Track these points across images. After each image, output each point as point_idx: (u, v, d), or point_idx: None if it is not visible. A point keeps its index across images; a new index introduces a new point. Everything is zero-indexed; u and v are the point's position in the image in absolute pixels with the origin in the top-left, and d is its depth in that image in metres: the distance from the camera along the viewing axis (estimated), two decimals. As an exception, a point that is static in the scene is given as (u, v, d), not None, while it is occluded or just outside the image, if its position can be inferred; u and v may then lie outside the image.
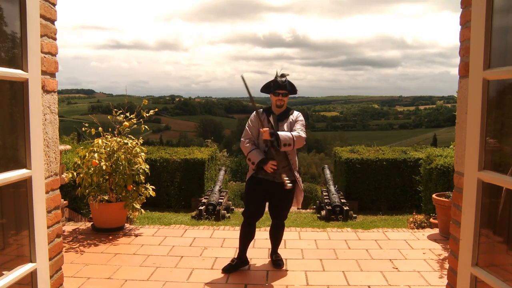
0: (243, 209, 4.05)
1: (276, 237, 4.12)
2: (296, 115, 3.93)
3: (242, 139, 3.91)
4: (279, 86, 3.82)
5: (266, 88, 3.91)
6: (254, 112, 3.87)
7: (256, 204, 3.87)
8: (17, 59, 1.63)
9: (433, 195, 5.32)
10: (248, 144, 3.84)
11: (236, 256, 4.02)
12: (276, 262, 4.07)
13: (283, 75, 3.86)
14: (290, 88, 3.86)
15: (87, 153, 5.09)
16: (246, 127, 3.93)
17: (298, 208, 4.39)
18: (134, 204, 5.15)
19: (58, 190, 1.98)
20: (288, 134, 3.70)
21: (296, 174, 3.86)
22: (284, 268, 4.01)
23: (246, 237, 3.96)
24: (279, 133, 3.67)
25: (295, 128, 3.83)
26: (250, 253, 4.31)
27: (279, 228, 4.09)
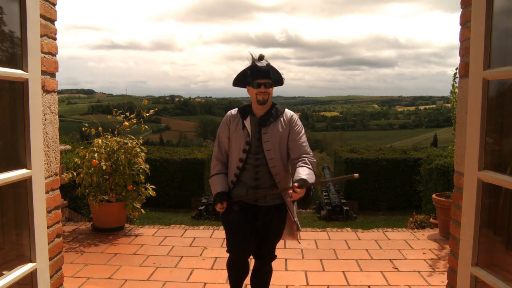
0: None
1: (260, 278, 2.93)
2: (289, 116, 2.75)
3: (213, 157, 2.90)
4: (260, 74, 2.63)
5: (242, 79, 2.75)
6: (226, 115, 2.87)
7: (239, 232, 2.70)
8: (17, 59, 1.63)
9: (433, 195, 5.32)
10: (211, 166, 2.87)
11: None
12: None
13: (261, 57, 2.70)
14: (274, 76, 2.69)
15: (87, 153, 5.09)
16: (216, 138, 2.87)
17: (299, 242, 2.98)
18: (134, 204, 5.14)
19: (58, 190, 1.98)
20: (307, 171, 2.56)
21: (285, 198, 2.76)
22: (284, 268, 4.00)
23: (240, 275, 2.88)
24: (303, 177, 2.48)
25: (299, 144, 2.68)
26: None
27: (264, 274, 2.93)
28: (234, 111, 2.84)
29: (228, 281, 3.13)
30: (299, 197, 2.44)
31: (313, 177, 2.59)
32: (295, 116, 2.79)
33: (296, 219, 2.85)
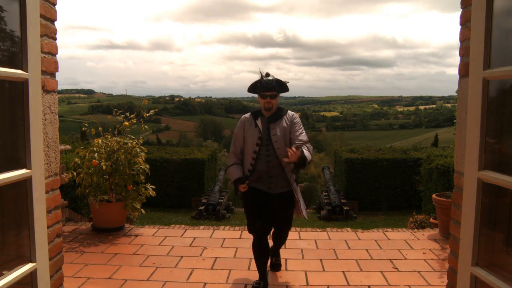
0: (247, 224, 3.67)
1: (278, 237, 3.82)
2: (291, 115, 3.52)
3: (230, 152, 3.63)
4: (266, 88, 3.38)
5: (253, 88, 3.47)
6: (241, 118, 3.61)
7: (257, 215, 3.47)
8: (17, 59, 1.63)
9: (433, 195, 5.31)
10: (229, 159, 3.59)
11: (258, 279, 3.50)
12: (274, 265, 3.90)
13: (268, 74, 3.42)
14: (278, 87, 3.41)
15: (87, 153, 5.09)
16: (233, 137, 3.60)
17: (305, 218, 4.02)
18: (134, 204, 5.14)
19: (58, 190, 1.98)
20: (305, 147, 3.29)
21: (293, 184, 3.51)
22: (284, 268, 4.00)
23: (261, 256, 3.53)
24: (301, 147, 3.24)
25: (297, 134, 3.39)
26: (249, 252, 4.31)
27: (283, 231, 3.80)
28: (248, 114, 3.60)
29: (227, 282, 3.47)
30: (295, 159, 3.10)
31: (309, 155, 3.28)
32: (296, 115, 3.55)
33: (300, 199, 3.56)
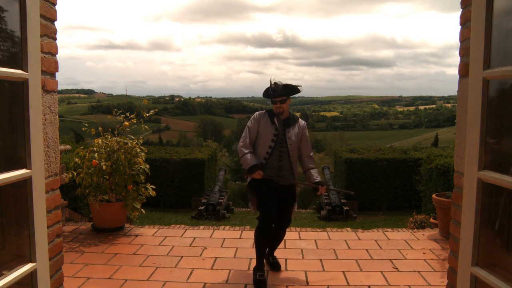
0: (256, 213, 3.81)
1: (277, 236, 3.96)
2: (302, 125, 3.91)
3: (240, 142, 3.84)
4: (274, 95, 3.73)
5: (266, 96, 3.84)
6: (255, 114, 3.87)
7: (270, 201, 3.65)
8: (17, 59, 1.63)
9: (433, 195, 5.31)
10: (242, 148, 3.78)
11: (260, 271, 3.65)
12: (274, 265, 3.97)
13: (276, 84, 3.74)
14: (286, 92, 3.75)
15: (87, 153, 5.09)
16: (246, 130, 3.84)
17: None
18: (134, 204, 5.14)
19: (58, 190, 1.98)
20: (317, 173, 3.93)
21: (296, 179, 3.87)
22: (284, 268, 4.00)
23: (266, 243, 3.74)
24: (320, 179, 3.87)
25: (307, 152, 3.88)
26: (249, 252, 4.31)
27: (280, 234, 3.99)
28: (262, 112, 3.91)
29: (227, 282, 3.44)
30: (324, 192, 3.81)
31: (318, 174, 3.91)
32: (305, 124, 3.98)
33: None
